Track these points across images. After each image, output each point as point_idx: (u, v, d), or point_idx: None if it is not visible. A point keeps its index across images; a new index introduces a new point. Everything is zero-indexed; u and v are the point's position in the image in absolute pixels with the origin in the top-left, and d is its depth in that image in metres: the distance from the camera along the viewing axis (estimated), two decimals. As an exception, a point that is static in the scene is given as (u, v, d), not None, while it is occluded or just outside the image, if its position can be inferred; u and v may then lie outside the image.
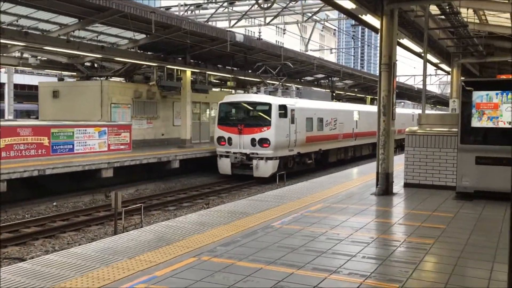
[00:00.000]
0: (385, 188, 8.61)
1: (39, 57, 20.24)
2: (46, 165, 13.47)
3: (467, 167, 8.32)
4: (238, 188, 17.43)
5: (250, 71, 26.03)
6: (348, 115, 24.29)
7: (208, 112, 25.07)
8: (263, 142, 17.43)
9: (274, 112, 17.53)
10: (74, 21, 15.52)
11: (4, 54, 17.72)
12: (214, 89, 26.47)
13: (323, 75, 32.74)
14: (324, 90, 29.39)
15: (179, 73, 21.23)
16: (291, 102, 18.84)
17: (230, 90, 30.85)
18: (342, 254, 4.92)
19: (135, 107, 20.57)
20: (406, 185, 9.51)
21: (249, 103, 18.27)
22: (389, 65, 8.55)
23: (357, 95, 42.26)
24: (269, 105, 17.67)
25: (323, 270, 4.40)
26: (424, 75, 11.33)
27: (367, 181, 10.60)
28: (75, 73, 22.44)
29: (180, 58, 20.43)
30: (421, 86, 49.13)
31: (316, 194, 8.78)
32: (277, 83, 22.87)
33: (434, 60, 16.77)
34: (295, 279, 4.18)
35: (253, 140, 17.59)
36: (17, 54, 20.32)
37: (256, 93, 19.60)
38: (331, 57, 68.08)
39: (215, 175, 20.32)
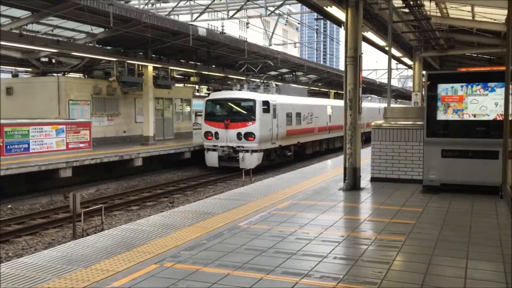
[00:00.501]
0: (352, 183, 8.48)
1: (-10, 52, 19.21)
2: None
3: (433, 160, 8.28)
4: (203, 185, 17.09)
5: (213, 66, 25.65)
6: (323, 109, 25.64)
7: (171, 108, 24.53)
8: (249, 135, 18.69)
9: (258, 107, 18.76)
10: (27, 14, 14.76)
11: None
12: (177, 85, 25.95)
13: (287, 70, 32.69)
14: (301, 86, 30.49)
15: (140, 68, 20.64)
16: (272, 98, 20.11)
17: (194, 85, 30.40)
18: (313, 255, 4.71)
19: (95, 103, 19.87)
20: (373, 179, 9.43)
21: (235, 100, 19.42)
22: (355, 58, 8.40)
23: (321, 89, 42.49)
24: (254, 101, 18.90)
25: (294, 274, 4.17)
26: (389, 69, 11.28)
27: (335, 175, 10.48)
28: (30, 69, 21.48)
29: (141, 53, 19.85)
30: (383, 80, 50.04)
31: (284, 190, 8.57)
32: (258, 80, 23.96)
33: (397, 53, 16.86)
34: (264, 284, 3.94)
35: (239, 134, 18.81)
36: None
37: (240, 90, 20.76)
38: (294, 52, 68.12)
39: (181, 171, 19.92)
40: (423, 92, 9.51)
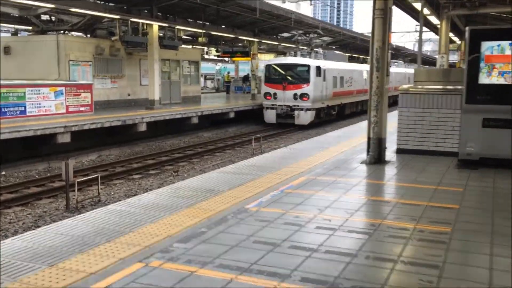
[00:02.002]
0: (377, 155, 7.44)
1: (-14, 9, 18.08)
2: (-9, 130, 11.86)
3: (472, 131, 7.18)
4: (211, 152, 16.15)
5: (223, 26, 24.29)
6: (360, 74, 28.56)
7: (178, 70, 23.37)
8: (303, 96, 21.55)
9: (312, 72, 21.62)
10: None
11: None
12: (184, 46, 24.69)
13: (300, 32, 31.14)
14: (342, 53, 33.14)
15: (145, 27, 19.39)
16: (323, 63, 23.01)
17: (202, 47, 29.09)
18: (339, 253, 3.72)
19: (97, 65, 18.78)
20: (399, 151, 8.36)
21: (292, 65, 22.39)
22: (384, 10, 7.20)
23: (335, 52, 40.80)
24: (308, 66, 21.77)
25: (318, 282, 3.20)
26: (421, 26, 10.01)
27: (356, 146, 9.42)
28: (30, 28, 20.36)
29: (146, 11, 18.58)
30: (400, 44, 48.00)
31: (299, 163, 7.55)
32: (305, 48, 27.51)
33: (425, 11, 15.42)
34: (278, 296, 2.98)
35: (295, 94, 21.65)
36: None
37: (294, 56, 24.75)
38: (308, 11, 65.24)
39: (187, 137, 18.99)
40: (460, 54, 8.25)
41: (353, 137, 11.01)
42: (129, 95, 20.48)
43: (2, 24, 23.54)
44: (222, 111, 21.20)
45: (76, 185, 9.17)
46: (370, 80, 7.38)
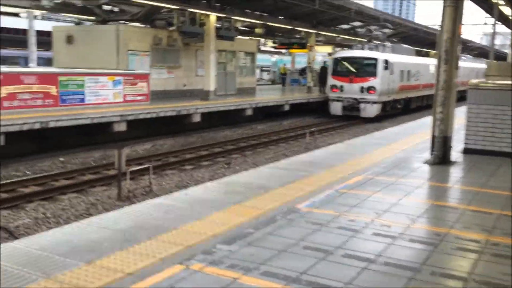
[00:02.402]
0: (441, 155, 6.87)
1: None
2: (52, 116, 12.17)
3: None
4: (264, 145, 15.88)
5: (280, 17, 23.88)
6: (426, 68, 28.19)
7: (234, 61, 23.24)
8: (370, 89, 21.62)
9: (380, 65, 21.73)
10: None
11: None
12: (241, 37, 24.50)
13: (360, 23, 30.16)
14: (409, 46, 31.64)
15: (202, 18, 19.33)
16: (390, 57, 22.95)
17: (258, 38, 28.81)
18: (400, 266, 3.32)
19: (155, 55, 18.94)
20: (467, 151, 7.71)
21: (360, 58, 22.48)
22: (456, -2, 6.59)
23: (403, 46, 39.23)
24: (376, 59, 21.89)
25: (374, 300, 2.82)
26: (496, 16, 9.21)
27: (418, 143, 8.82)
28: (93, 18, 20.84)
29: (204, 1, 18.51)
30: (465, 37, 45.52)
31: (355, 160, 7.11)
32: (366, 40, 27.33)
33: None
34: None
35: (362, 87, 21.73)
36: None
37: (362, 49, 24.13)
38: (367, 3, 62.90)
39: (241, 129, 18.84)
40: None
41: (414, 133, 10.38)
42: (184, 85, 20.57)
43: (66, 14, 24.33)
44: (277, 104, 20.89)
45: (128, 174, 9.16)
46: (437, 74, 6.80)
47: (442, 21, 6.68)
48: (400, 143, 8.96)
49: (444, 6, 6.65)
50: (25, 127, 11.21)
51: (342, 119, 22.96)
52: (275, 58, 49.63)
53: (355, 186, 5.51)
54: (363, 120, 21.96)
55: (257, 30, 23.39)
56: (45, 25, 34.49)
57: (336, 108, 22.57)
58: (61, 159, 12.42)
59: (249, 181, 5.73)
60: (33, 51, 31.87)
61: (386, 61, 22.08)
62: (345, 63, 22.64)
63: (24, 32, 34.03)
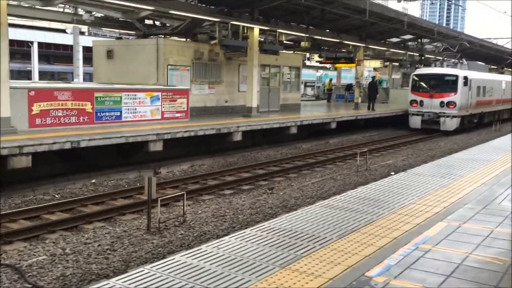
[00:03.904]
0: (542, 195, 5.46)
1: (93, 13, 18.27)
2: (85, 135, 11.42)
3: None
4: (310, 167, 14.64)
5: (327, 30, 22.70)
6: (498, 84, 29.69)
7: (278, 76, 22.19)
8: (450, 104, 23.14)
9: (460, 81, 23.24)
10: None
11: (48, 8, 15.82)
12: (285, 51, 23.46)
13: (411, 36, 28.54)
14: (482, 63, 32.56)
15: (245, 31, 18.42)
16: (469, 73, 24.38)
17: (304, 52, 27.69)
18: None
19: (196, 69, 18.14)
20: None
21: (440, 75, 24.15)
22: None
23: (446, 59, 37.19)
24: (457, 76, 23.40)
25: None
26: None
27: (498, 175, 7.39)
28: (133, 32, 20.38)
29: (247, 14, 17.60)
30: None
31: (426, 197, 5.80)
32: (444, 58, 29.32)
33: None
34: None
35: (441, 102, 23.27)
36: (70, 10, 18.56)
37: (441, 67, 26.98)
38: (415, 11, 60.32)
39: (285, 148, 17.67)
40: None
41: (489, 160, 8.90)
42: (226, 101, 19.66)
43: (109, 29, 24.11)
44: (323, 121, 19.62)
45: (159, 203, 8.16)
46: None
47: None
48: (476, 173, 7.55)
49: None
50: (55, 147, 10.46)
51: (391, 139, 21.57)
52: (319, 72, 48.40)
53: (440, 239, 4.22)
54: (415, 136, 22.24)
55: (303, 44, 22.25)
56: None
57: (415, 122, 24.00)
58: (93, 180, 11.64)
59: (297, 227, 4.54)
60: (78, 66, 32.06)
61: (466, 78, 23.63)
62: (425, 79, 24.35)
63: (72, 48, 34.44)
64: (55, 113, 12.29)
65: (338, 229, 4.49)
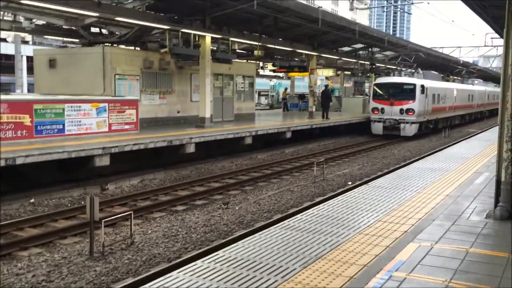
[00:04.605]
0: (511, 207, 5.19)
1: (34, 20, 17.16)
2: (21, 151, 10.47)
3: None
4: (266, 178, 14.17)
5: (280, 39, 22.47)
6: (450, 92, 31.15)
7: (232, 86, 21.71)
8: (409, 111, 24.43)
9: (418, 90, 24.60)
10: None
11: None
12: (238, 60, 23.05)
13: (362, 45, 28.85)
14: (436, 72, 34.35)
15: (197, 39, 17.84)
16: (425, 82, 25.93)
17: (257, 61, 27.40)
18: None
19: (145, 79, 17.37)
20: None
21: (400, 83, 25.37)
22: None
23: (398, 68, 37.98)
24: (414, 85, 24.78)
25: None
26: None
27: (460, 185, 7.16)
28: (78, 40, 19.37)
29: (198, 21, 17.05)
30: (466, 59, 44.79)
31: (392, 213, 5.43)
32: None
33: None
34: None
35: (401, 110, 24.58)
36: (9, 17, 17.38)
37: (399, 76, 28.06)
38: (363, 19, 61.08)
39: (240, 159, 17.16)
40: None
41: (448, 170, 8.72)
42: (178, 112, 18.96)
43: (51, 37, 22.89)
44: (278, 130, 19.27)
45: (103, 225, 7.43)
46: (502, 100, 5.18)
47: (508, 32, 5.09)
48: (438, 185, 7.30)
49: (510, 11, 5.07)
50: (-13, 165, 9.50)
51: (346, 147, 21.54)
52: (273, 82, 48.36)
53: (414, 264, 3.81)
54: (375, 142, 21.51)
55: (256, 52, 21.91)
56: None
57: (377, 128, 25.21)
58: (32, 200, 10.67)
59: (256, 256, 4.02)
60: (20, 77, 30.43)
61: (423, 86, 24.93)
62: (385, 88, 25.49)
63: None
64: (-12, 127, 11.26)
65: (302, 255, 4.00)
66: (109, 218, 8.17)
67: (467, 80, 43.65)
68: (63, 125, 13.08)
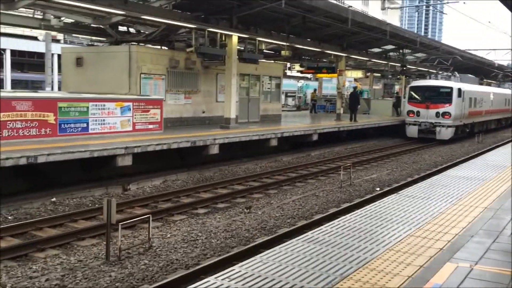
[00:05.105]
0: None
1: (62, 19, 17.22)
2: (44, 149, 10.39)
3: None
4: (290, 182, 13.78)
5: (308, 39, 22.02)
6: (488, 95, 31.14)
7: (258, 86, 21.39)
8: (445, 114, 24.28)
9: (455, 93, 24.49)
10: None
11: (12, 12, 14.73)
12: (265, 60, 22.72)
13: (393, 46, 28.10)
14: (472, 76, 34.19)
15: (223, 38, 17.59)
16: (462, 86, 25.72)
17: (284, 62, 27.00)
18: None
19: (171, 78, 17.22)
20: None
21: (436, 87, 25.35)
22: None
23: (429, 70, 36.92)
24: (451, 88, 24.67)
25: None
26: None
27: (499, 196, 6.64)
28: (105, 39, 19.37)
29: (225, 21, 16.79)
30: (501, 62, 43.49)
31: (425, 227, 4.99)
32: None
33: None
34: None
35: (437, 113, 24.38)
36: (39, 15, 17.49)
37: (436, 79, 27.94)
38: (395, 20, 59.54)
39: (264, 161, 16.81)
40: None
41: (485, 179, 8.18)
42: (203, 112, 18.76)
43: (82, 36, 23.04)
44: (304, 133, 18.86)
45: (120, 228, 7.20)
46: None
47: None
48: (476, 195, 6.79)
49: None
50: (8, 163, 9.41)
51: (374, 151, 20.99)
52: (300, 83, 47.87)
53: (451, 289, 3.39)
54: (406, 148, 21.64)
55: (284, 53, 21.52)
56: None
57: (412, 131, 25.06)
58: (53, 199, 10.58)
59: (275, 273, 3.67)
60: (50, 75, 30.81)
61: (460, 89, 24.82)
62: (421, 91, 25.42)
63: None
64: (12, 125, 11.23)
65: (325, 274, 3.63)
66: (127, 222, 7.95)
67: (504, 84, 42.38)
68: (87, 123, 12.99)
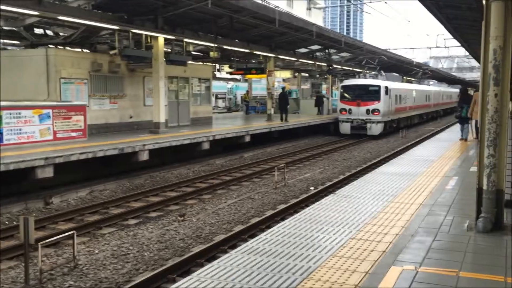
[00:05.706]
0: (495, 218, 4.73)
1: (-32, 21, 15.79)
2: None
3: None
4: (225, 186, 13.46)
5: (237, 40, 21.84)
6: (410, 92, 32.46)
7: (187, 89, 20.89)
8: (375, 111, 25.64)
9: (382, 91, 25.84)
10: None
11: None
12: (194, 62, 22.25)
13: (319, 47, 28.62)
14: (396, 74, 35.82)
15: (149, 40, 16.95)
16: (389, 84, 27.39)
17: (213, 64, 26.67)
18: None
19: (94, 83, 16.31)
20: (509, 204, 5.65)
21: (365, 85, 26.49)
22: (504, -8, 4.61)
23: (354, 69, 38.07)
24: (379, 86, 26.02)
25: None
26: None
27: (432, 192, 6.71)
28: (20, 42, 18.07)
29: (150, 22, 16.17)
30: (419, 60, 45.66)
31: (365, 228, 4.87)
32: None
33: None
34: None
35: (367, 110, 25.69)
36: None
37: (364, 78, 28.77)
38: (319, 20, 60.38)
39: (198, 165, 16.38)
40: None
41: (415, 174, 8.32)
42: (131, 117, 17.97)
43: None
44: (236, 135, 18.62)
45: (40, 248, 6.53)
46: (481, 100, 4.71)
47: (487, 23, 4.64)
48: (410, 192, 6.82)
49: (488, 2, 4.62)
50: None
51: (306, 150, 21.14)
52: (230, 84, 47.72)
53: (400, 295, 3.22)
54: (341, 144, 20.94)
55: (212, 54, 21.16)
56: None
57: (345, 128, 26.24)
58: (-37, 219, 9.56)
59: (217, 290, 3.34)
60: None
61: (387, 87, 26.29)
62: (352, 89, 26.60)
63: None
64: None
65: (269, 289, 3.36)
66: (47, 241, 7.26)
67: (423, 81, 44.82)
68: (1, 133, 11.93)
